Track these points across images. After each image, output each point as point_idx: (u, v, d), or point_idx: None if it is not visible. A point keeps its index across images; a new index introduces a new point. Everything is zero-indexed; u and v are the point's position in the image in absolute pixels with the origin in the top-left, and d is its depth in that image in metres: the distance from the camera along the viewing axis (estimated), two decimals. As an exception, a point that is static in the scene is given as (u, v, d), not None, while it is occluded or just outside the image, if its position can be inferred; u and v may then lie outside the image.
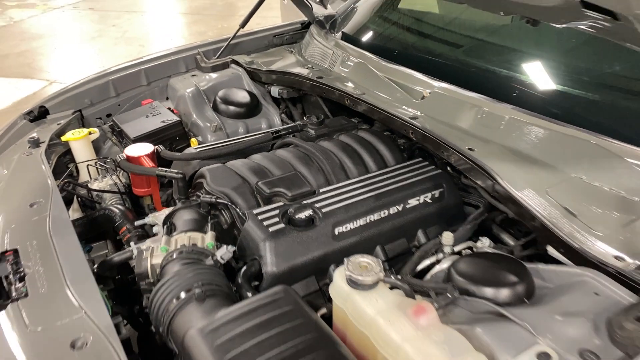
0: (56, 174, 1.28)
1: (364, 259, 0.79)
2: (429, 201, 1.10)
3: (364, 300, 0.76)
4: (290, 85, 1.59)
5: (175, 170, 1.14)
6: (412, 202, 1.08)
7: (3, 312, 0.79)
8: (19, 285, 0.83)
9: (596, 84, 1.16)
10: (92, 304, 0.79)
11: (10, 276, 0.85)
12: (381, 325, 0.72)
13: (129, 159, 1.22)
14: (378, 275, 0.77)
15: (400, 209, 1.07)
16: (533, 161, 1.03)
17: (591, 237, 0.84)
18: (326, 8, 1.94)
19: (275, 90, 1.63)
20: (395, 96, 1.32)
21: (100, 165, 1.37)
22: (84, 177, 1.41)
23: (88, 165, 1.39)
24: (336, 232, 0.99)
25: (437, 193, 1.11)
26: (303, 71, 1.56)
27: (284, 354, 0.69)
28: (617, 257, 0.81)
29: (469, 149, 1.05)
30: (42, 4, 6.81)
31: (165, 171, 1.14)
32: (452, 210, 1.13)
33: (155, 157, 1.28)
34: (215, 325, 0.74)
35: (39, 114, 1.54)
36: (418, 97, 1.28)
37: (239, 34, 1.91)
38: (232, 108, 1.58)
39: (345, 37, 1.67)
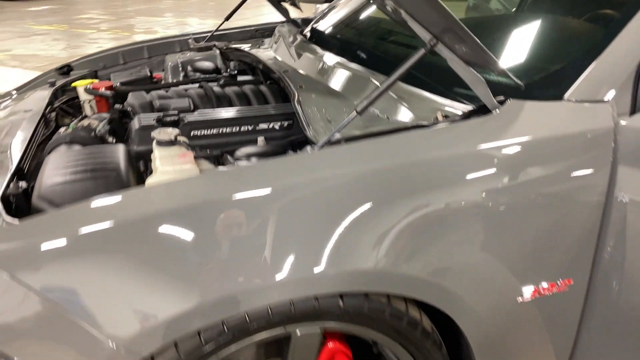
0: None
1: (168, 129, 1.21)
2: (277, 128, 1.48)
3: (157, 151, 1.18)
4: (239, 59, 2.05)
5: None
6: (262, 125, 1.47)
7: None
8: None
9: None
10: None
11: None
12: (156, 158, 1.14)
13: (93, 87, 1.74)
14: (170, 136, 1.18)
15: (250, 128, 1.46)
16: (334, 92, 1.39)
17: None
18: (302, 11, 2.41)
19: (232, 64, 2.10)
20: (297, 65, 1.73)
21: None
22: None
23: (84, 102, 1.94)
24: (191, 134, 1.41)
25: (285, 123, 1.49)
26: (254, 50, 2.02)
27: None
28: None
29: (300, 86, 1.43)
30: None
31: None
32: (297, 140, 1.50)
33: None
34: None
35: (66, 71, 2.15)
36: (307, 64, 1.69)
37: (228, 27, 2.44)
38: (197, 74, 2.08)
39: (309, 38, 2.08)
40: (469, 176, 0.98)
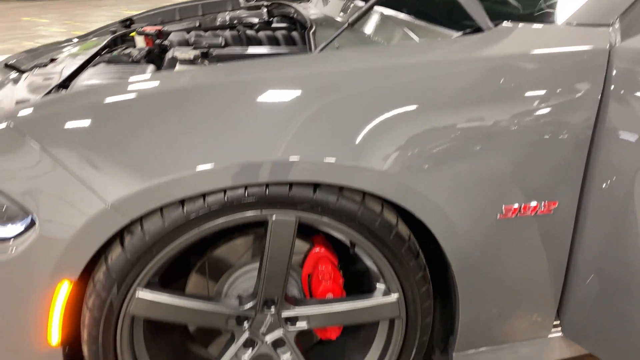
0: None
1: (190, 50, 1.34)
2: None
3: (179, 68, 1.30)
4: (282, 14, 2.16)
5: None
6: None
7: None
8: None
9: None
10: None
11: None
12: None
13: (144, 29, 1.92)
14: (190, 55, 1.30)
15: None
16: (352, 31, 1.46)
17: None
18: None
19: (275, 19, 2.22)
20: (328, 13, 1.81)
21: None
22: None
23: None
24: (218, 65, 1.53)
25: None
26: (295, 4, 2.13)
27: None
28: None
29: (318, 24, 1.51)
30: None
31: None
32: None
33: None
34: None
35: (128, 24, 2.36)
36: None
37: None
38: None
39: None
40: (458, 85, 1.02)
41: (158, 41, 1.69)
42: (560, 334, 1.30)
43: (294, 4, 2.12)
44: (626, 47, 1.02)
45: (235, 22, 2.10)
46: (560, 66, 1.04)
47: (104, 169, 0.94)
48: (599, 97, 1.03)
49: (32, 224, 0.96)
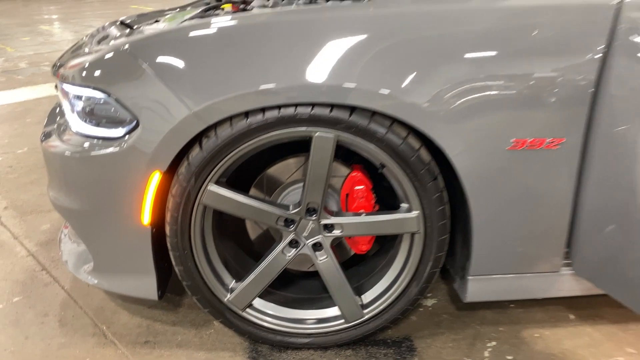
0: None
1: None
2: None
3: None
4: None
5: None
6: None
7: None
8: None
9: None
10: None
11: None
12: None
13: (231, 1, 2.23)
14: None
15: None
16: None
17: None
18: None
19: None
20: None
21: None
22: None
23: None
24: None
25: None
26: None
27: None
28: None
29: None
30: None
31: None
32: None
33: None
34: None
35: (218, -2, 2.71)
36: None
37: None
38: None
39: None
40: (486, 24, 1.21)
41: (242, 6, 1.99)
42: (571, 271, 1.44)
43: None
44: (634, 4, 1.16)
45: None
46: (580, 18, 1.19)
47: (191, 84, 1.23)
48: (607, 44, 1.17)
49: (136, 126, 1.28)
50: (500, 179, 1.29)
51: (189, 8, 2.52)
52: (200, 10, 2.10)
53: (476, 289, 1.45)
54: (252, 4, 2.03)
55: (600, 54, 1.18)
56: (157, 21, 1.99)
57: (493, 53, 1.20)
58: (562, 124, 1.23)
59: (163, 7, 2.56)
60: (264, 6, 1.95)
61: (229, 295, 1.43)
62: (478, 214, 1.33)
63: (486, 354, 1.47)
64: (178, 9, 2.52)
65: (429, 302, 1.69)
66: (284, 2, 2.01)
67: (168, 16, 2.14)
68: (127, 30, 1.89)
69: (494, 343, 1.51)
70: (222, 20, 1.31)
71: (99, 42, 1.58)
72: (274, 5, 1.86)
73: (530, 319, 1.61)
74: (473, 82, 1.20)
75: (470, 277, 1.44)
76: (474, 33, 1.21)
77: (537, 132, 1.23)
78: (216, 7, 2.46)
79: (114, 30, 1.84)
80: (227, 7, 2.18)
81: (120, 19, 2.06)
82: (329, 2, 1.43)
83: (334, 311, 1.47)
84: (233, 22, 1.30)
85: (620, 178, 1.24)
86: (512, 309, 1.65)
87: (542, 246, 1.41)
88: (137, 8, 10.53)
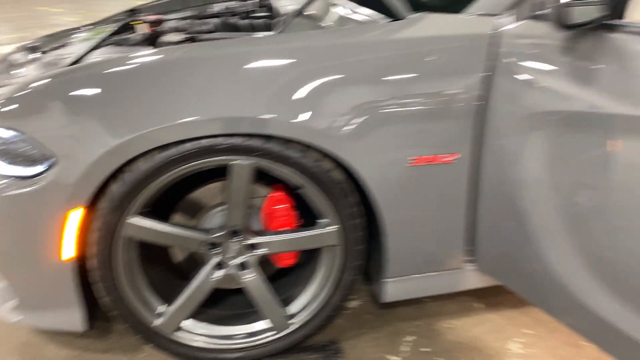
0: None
1: (176, 34, 1.64)
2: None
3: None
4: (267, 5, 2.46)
5: None
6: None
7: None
8: None
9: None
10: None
11: None
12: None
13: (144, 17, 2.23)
14: (175, 38, 1.61)
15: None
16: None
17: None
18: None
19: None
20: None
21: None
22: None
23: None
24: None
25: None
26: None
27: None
28: None
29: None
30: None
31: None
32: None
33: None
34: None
35: (134, 13, 2.68)
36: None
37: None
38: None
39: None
40: (380, 61, 1.32)
41: (156, 28, 2.00)
42: (475, 267, 1.61)
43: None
44: (509, 32, 1.32)
45: (226, 11, 2.41)
46: (460, 46, 1.34)
47: (109, 120, 1.26)
48: (487, 71, 1.33)
49: (54, 163, 1.28)
50: (406, 192, 1.43)
51: (102, 26, 2.48)
52: (113, 32, 2.08)
53: (392, 289, 1.59)
54: (166, 24, 2.04)
55: (483, 75, 1.34)
56: (67, 44, 1.96)
57: (390, 80, 1.33)
58: (455, 140, 1.38)
59: (66, 9, 2.46)
60: (177, 28, 1.97)
61: (158, 321, 1.47)
62: (389, 224, 1.45)
63: (405, 348, 1.62)
64: (89, 27, 2.47)
65: (353, 304, 1.81)
66: (198, 22, 2.05)
67: (80, 37, 2.10)
68: (35, 55, 1.85)
69: (412, 337, 1.66)
70: (138, 56, 1.34)
71: (8, 72, 1.55)
72: (186, 29, 1.89)
73: (443, 312, 1.78)
74: (373, 107, 1.32)
75: (386, 280, 1.57)
76: (372, 62, 1.33)
77: (433, 149, 1.37)
78: (129, 27, 2.44)
79: (21, 57, 1.79)
80: (141, 26, 2.18)
81: (26, 44, 1.99)
82: (243, 34, 1.49)
83: (263, 324, 1.55)
84: (149, 58, 1.33)
85: (509, 183, 1.41)
86: (427, 304, 1.81)
87: (447, 247, 1.57)
88: (45, 10, 9.95)
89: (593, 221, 1.24)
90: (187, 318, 1.51)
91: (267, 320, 1.54)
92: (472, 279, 1.64)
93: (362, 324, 1.73)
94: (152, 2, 2.78)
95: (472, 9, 1.38)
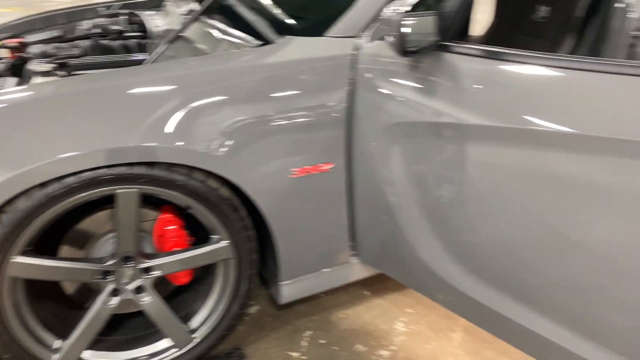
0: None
1: (45, 64, 1.61)
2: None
3: (34, 79, 1.57)
4: (136, 22, 2.44)
5: None
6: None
7: None
8: None
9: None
10: None
11: None
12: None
13: (6, 42, 2.11)
14: (45, 68, 1.58)
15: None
16: (187, 41, 1.81)
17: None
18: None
19: (133, 27, 2.49)
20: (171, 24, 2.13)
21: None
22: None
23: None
24: (72, 74, 1.81)
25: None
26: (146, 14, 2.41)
27: None
28: None
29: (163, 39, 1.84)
30: None
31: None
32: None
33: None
34: None
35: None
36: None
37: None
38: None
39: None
40: (252, 84, 1.41)
41: (20, 54, 1.91)
42: (359, 260, 1.78)
43: (144, 13, 2.40)
44: (365, 52, 1.49)
45: (94, 31, 2.34)
46: (324, 66, 1.48)
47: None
48: (349, 86, 1.49)
49: None
50: (291, 201, 1.54)
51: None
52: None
53: (288, 291, 1.71)
54: (31, 49, 1.96)
55: (348, 90, 1.49)
56: None
57: (265, 100, 1.43)
58: (329, 151, 1.53)
59: None
60: (45, 54, 1.91)
61: (55, 356, 1.44)
62: (278, 232, 1.56)
63: (304, 343, 1.75)
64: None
65: (253, 310, 1.90)
66: (67, 45, 1.99)
67: None
68: None
69: (310, 332, 1.80)
70: (6, 93, 1.31)
71: None
72: (55, 54, 1.84)
73: (337, 304, 1.94)
74: (253, 127, 1.42)
75: (281, 283, 1.68)
76: (247, 85, 1.42)
77: (310, 160, 1.51)
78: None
79: None
80: (3, 52, 2.06)
81: None
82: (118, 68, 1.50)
83: (165, 343, 1.59)
84: (19, 95, 1.30)
85: (379, 184, 1.59)
86: (322, 299, 1.96)
87: (334, 246, 1.72)
88: None
89: (448, 211, 1.46)
90: (86, 349, 1.50)
91: (170, 339, 1.58)
92: (358, 270, 1.82)
93: (263, 327, 1.83)
94: (9, 22, 2.61)
95: (332, 32, 1.52)
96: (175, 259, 1.51)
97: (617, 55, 2.02)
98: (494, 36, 2.49)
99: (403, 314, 1.88)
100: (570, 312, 1.27)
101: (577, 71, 1.15)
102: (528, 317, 1.36)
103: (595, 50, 2.08)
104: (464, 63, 1.29)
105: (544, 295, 1.32)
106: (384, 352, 1.71)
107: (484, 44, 2.46)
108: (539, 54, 1.18)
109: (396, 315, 1.88)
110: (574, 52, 2.14)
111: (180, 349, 1.59)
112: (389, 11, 1.25)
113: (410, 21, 1.20)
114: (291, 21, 1.61)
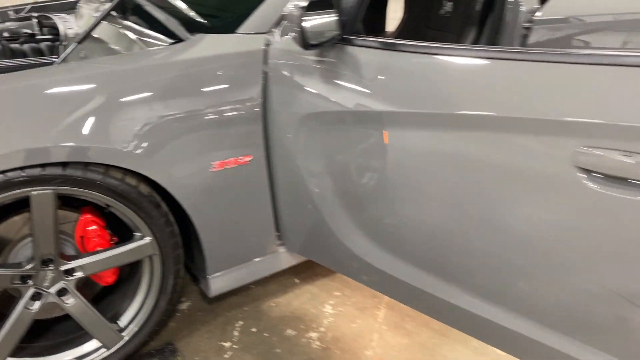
0: None
1: None
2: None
3: None
4: (48, 25, 2.38)
5: None
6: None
7: None
8: None
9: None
10: None
11: None
12: None
13: None
14: None
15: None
16: (98, 42, 1.81)
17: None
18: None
19: (44, 30, 2.43)
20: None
21: None
22: None
23: None
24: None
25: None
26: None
27: None
28: None
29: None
30: None
31: None
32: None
33: None
34: None
35: None
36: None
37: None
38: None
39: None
40: (167, 82, 1.44)
41: None
42: (286, 249, 1.85)
43: (56, 16, 2.35)
44: (276, 47, 1.55)
45: (4, 34, 2.27)
46: (237, 61, 1.53)
47: None
48: (263, 81, 1.55)
49: None
50: (213, 194, 1.58)
51: None
52: None
53: (217, 284, 1.75)
54: None
55: (262, 84, 1.55)
56: None
57: (180, 97, 1.46)
58: (246, 143, 1.58)
59: None
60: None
61: (-25, 367, 1.41)
62: (202, 226, 1.60)
63: (236, 333, 1.80)
64: None
65: (184, 306, 1.93)
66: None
67: None
68: None
69: (241, 322, 1.84)
70: None
71: None
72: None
73: (267, 293, 1.99)
74: (170, 123, 1.44)
75: (209, 276, 1.72)
76: (162, 83, 1.44)
77: (229, 153, 1.55)
78: None
79: None
80: None
81: None
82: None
83: (93, 344, 1.59)
84: None
85: (298, 174, 1.66)
86: (253, 290, 2.01)
87: (261, 237, 1.78)
88: None
89: (364, 197, 1.55)
90: (9, 356, 1.47)
91: (98, 340, 1.58)
92: (286, 259, 1.88)
93: (195, 321, 1.86)
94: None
95: (243, 28, 1.58)
96: (97, 259, 1.51)
97: (513, 44, 2.21)
98: (404, 31, 2.64)
99: (331, 297, 1.97)
100: (486, 282, 1.39)
101: (461, 57, 1.26)
102: (446, 291, 1.47)
103: (494, 41, 2.27)
104: (364, 55, 1.38)
105: (460, 270, 1.43)
106: (313, 334, 1.79)
107: (395, 38, 2.61)
108: (428, 43, 1.29)
109: (325, 299, 1.96)
110: (475, 43, 2.32)
111: (108, 349, 1.59)
112: (290, 7, 1.32)
113: (310, 17, 1.28)
114: (203, 19, 1.64)
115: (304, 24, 1.27)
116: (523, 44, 2.16)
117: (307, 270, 2.10)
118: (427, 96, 1.28)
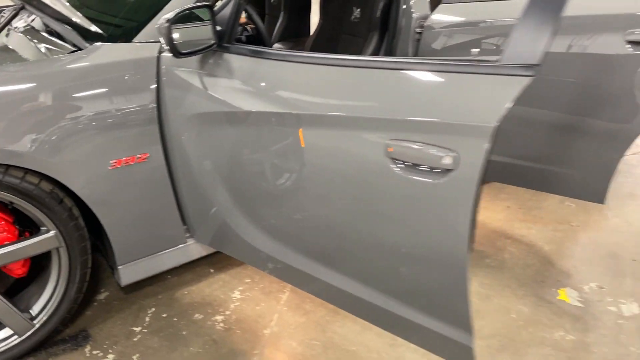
0: None
1: None
2: None
3: None
4: None
5: None
6: None
7: None
8: None
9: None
10: None
11: None
12: None
13: None
14: None
15: None
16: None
17: None
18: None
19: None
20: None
21: None
22: None
23: None
24: None
25: None
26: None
27: None
28: None
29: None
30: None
31: None
32: None
33: None
34: None
35: None
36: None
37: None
38: None
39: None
40: (65, 87, 1.57)
41: None
42: (194, 240, 2.00)
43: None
44: (167, 55, 1.71)
45: None
46: (132, 67, 1.67)
47: None
48: (156, 84, 1.70)
49: None
50: (114, 191, 1.72)
51: None
52: None
53: (127, 273, 1.89)
54: None
55: (156, 87, 1.70)
56: None
57: (79, 101, 1.60)
58: (143, 142, 1.72)
59: None
60: None
61: None
62: (106, 220, 1.74)
63: (147, 319, 1.94)
64: None
65: (102, 296, 2.06)
66: None
67: None
68: None
69: (153, 309, 1.99)
70: None
71: None
72: None
73: (182, 282, 2.14)
74: (69, 126, 1.58)
75: (119, 267, 1.86)
76: (62, 88, 1.57)
77: (127, 152, 1.70)
78: None
79: None
80: None
81: None
82: None
83: (5, 332, 1.71)
84: None
85: (194, 169, 1.81)
86: (169, 279, 2.16)
87: (168, 229, 1.92)
88: None
89: (251, 191, 1.71)
90: None
91: (9, 328, 1.70)
92: (196, 250, 2.03)
93: (111, 309, 1.99)
94: None
95: (139, 37, 1.72)
96: (4, 251, 1.64)
97: (409, 48, 2.41)
98: (321, 35, 2.82)
99: (241, 284, 2.13)
100: (348, 265, 1.57)
101: (304, 64, 1.44)
102: (323, 273, 1.65)
103: (394, 46, 2.46)
104: (238, 61, 1.55)
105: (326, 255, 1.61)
106: (218, 317, 1.95)
107: (313, 42, 2.79)
108: (280, 51, 1.47)
109: (235, 286, 2.12)
110: (379, 47, 2.51)
111: (20, 336, 1.72)
112: (161, 21, 1.47)
113: (180, 28, 1.44)
114: (101, 30, 1.79)
115: (173, 35, 1.43)
116: (417, 47, 2.36)
117: (222, 261, 2.26)
118: (275, 97, 1.45)
